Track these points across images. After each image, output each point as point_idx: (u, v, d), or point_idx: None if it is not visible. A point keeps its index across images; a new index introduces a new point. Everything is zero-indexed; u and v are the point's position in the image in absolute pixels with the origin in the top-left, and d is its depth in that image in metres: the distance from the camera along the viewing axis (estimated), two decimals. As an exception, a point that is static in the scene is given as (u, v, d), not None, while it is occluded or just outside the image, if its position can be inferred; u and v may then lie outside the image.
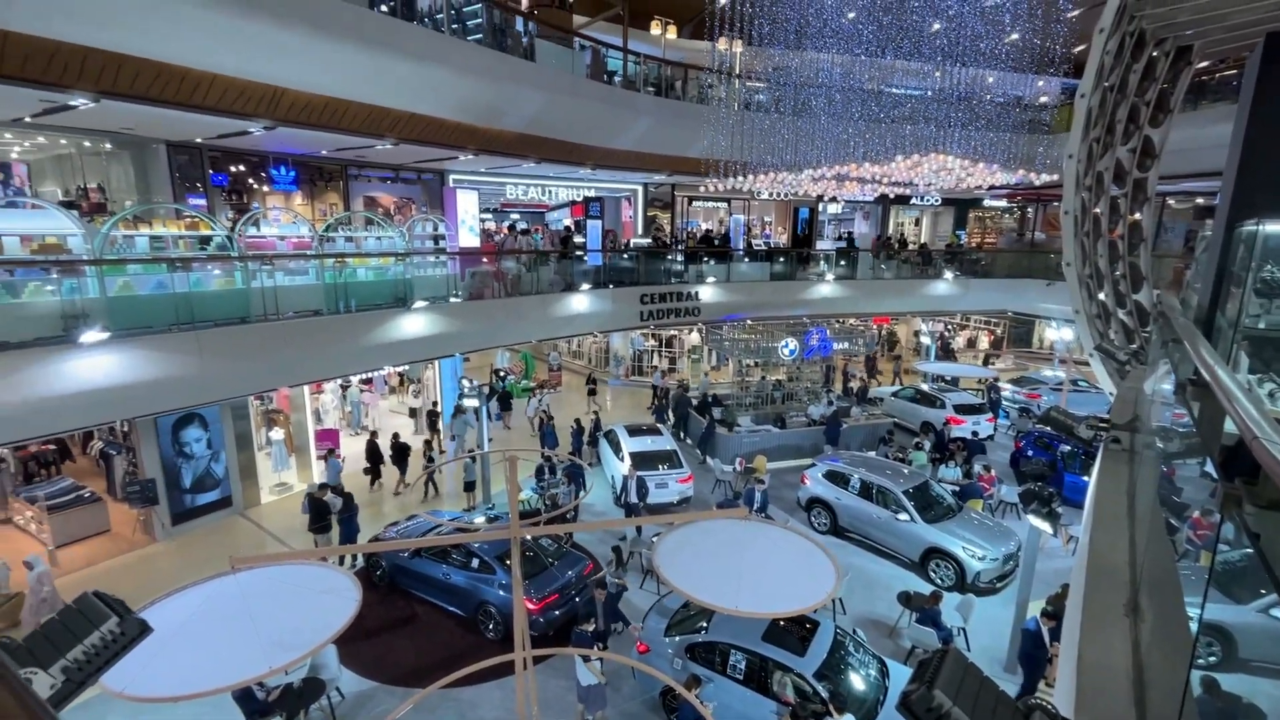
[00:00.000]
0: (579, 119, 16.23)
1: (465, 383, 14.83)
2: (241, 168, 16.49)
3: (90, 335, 8.82)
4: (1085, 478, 13.80)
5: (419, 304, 13.42)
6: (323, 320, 12.03)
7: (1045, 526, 8.48)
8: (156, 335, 9.65)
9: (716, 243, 22.99)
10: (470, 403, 14.85)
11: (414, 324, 13.39)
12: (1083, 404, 17.51)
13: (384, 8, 12.29)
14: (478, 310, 15.04)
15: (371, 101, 11.94)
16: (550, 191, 24.87)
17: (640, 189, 25.82)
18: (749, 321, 21.24)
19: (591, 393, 21.07)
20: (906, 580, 11.76)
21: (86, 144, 13.96)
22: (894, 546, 12.53)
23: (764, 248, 26.70)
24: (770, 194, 21.70)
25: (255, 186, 17.00)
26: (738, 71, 18.72)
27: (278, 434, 15.18)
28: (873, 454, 15.72)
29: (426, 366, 18.63)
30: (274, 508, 14.28)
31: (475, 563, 10.41)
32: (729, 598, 5.07)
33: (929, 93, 18.68)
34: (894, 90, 18.65)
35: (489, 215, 23.40)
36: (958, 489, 13.81)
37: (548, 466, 14.36)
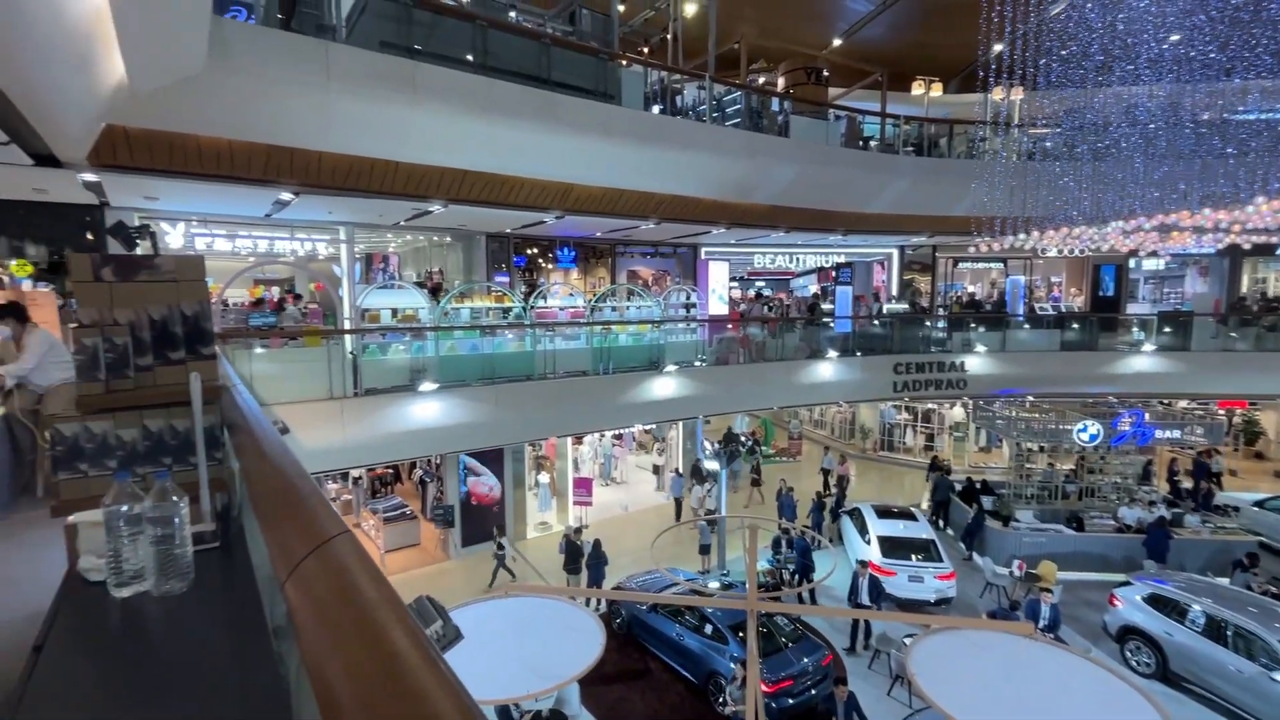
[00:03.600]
0: (831, 186, 16.12)
1: (708, 444, 15.20)
2: (534, 250, 19.84)
3: (427, 385, 11.22)
4: None
5: (669, 368, 14.32)
6: (588, 380, 13.55)
7: None
8: (467, 388, 11.88)
9: (988, 308, 20.40)
10: (711, 465, 15.13)
11: (664, 386, 14.29)
12: None
13: (656, 108, 14.01)
14: (722, 375, 15.46)
15: (641, 188, 13.48)
16: (797, 258, 24.90)
17: (895, 252, 24.35)
18: (1030, 398, 18.13)
19: (755, 483, 18.92)
20: (1292, 772, 8.39)
21: (435, 239, 18.24)
22: (1267, 716, 9.09)
23: (1051, 312, 22.82)
24: (1060, 251, 18.62)
25: (544, 265, 20.25)
26: (1017, 120, 16.84)
27: (544, 478, 17.26)
28: (1224, 581, 11.90)
29: (671, 426, 19.59)
30: (535, 543, 16.10)
31: (709, 629, 10.30)
32: (1009, 733, 4.19)
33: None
34: (1246, 117, 14.82)
35: (735, 284, 24.25)
36: (1385, 653, 9.58)
37: (785, 539, 13.77)
